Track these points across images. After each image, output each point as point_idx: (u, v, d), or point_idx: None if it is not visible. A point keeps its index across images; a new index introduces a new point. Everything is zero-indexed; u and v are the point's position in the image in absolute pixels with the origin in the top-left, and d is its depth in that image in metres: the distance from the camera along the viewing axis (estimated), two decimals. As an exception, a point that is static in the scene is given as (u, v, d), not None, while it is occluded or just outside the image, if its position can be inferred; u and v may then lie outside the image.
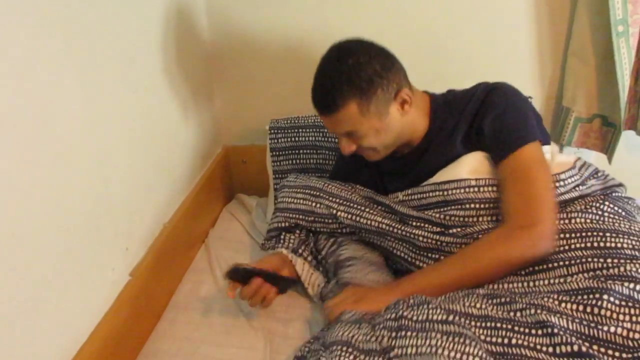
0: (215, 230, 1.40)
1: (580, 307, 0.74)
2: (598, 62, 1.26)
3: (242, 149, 1.58)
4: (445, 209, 0.98)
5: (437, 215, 0.98)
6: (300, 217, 1.14)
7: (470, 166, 0.98)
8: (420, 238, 0.98)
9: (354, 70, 0.93)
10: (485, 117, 0.98)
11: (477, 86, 1.06)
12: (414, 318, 0.78)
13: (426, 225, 0.99)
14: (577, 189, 0.98)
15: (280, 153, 1.38)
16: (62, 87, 0.80)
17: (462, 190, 0.96)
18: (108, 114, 0.94)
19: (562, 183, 0.96)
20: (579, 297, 0.75)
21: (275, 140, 1.38)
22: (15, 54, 0.70)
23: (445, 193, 0.98)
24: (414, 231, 0.99)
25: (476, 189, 0.96)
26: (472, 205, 0.96)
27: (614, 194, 0.99)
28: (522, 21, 1.32)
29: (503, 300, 0.79)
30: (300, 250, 1.12)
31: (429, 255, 0.98)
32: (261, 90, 1.50)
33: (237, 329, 1.02)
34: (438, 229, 0.98)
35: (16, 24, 0.70)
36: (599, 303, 0.72)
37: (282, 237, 1.15)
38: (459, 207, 0.97)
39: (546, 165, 0.95)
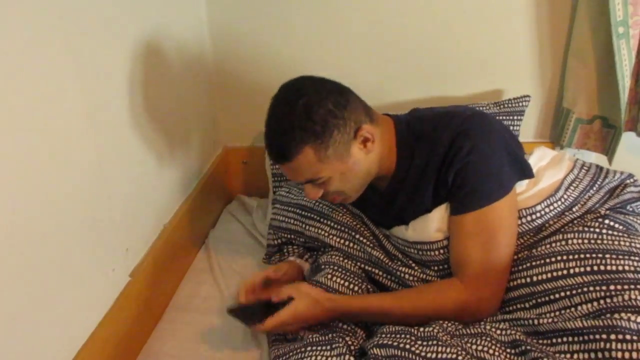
0: (215, 231, 1.40)
1: (592, 355, 0.71)
2: (598, 64, 1.26)
3: (242, 149, 1.58)
4: (423, 261, 0.98)
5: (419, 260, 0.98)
6: (292, 236, 1.15)
7: (437, 224, 0.93)
8: (407, 276, 0.98)
9: (305, 113, 0.84)
10: (450, 168, 0.88)
11: (449, 117, 0.94)
12: (422, 354, 0.78)
13: (412, 264, 0.99)
14: (571, 211, 0.95)
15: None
16: (62, 87, 0.80)
17: (436, 252, 0.94)
18: (109, 114, 0.94)
19: (538, 215, 0.92)
20: (588, 345, 0.72)
21: None
22: (15, 54, 0.70)
23: (420, 253, 0.97)
24: (401, 268, 0.99)
25: (447, 249, 0.93)
26: (447, 265, 0.94)
27: (618, 200, 0.96)
28: (523, 23, 1.32)
29: (518, 350, 0.77)
30: (306, 257, 1.13)
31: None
32: (261, 91, 1.50)
33: (237, 329, 1.02)
34: (422, 271, 0.98)
35: (16, 24, 0.70)
36: (608, 346, 0.70)
37: (284, 249, 1.16)
38: (436, 267, 0.96)
39: (512, 220, 0.89)
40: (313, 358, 0.83)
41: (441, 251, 0.93)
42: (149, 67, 1.08)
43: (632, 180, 1.01)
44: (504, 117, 1.32)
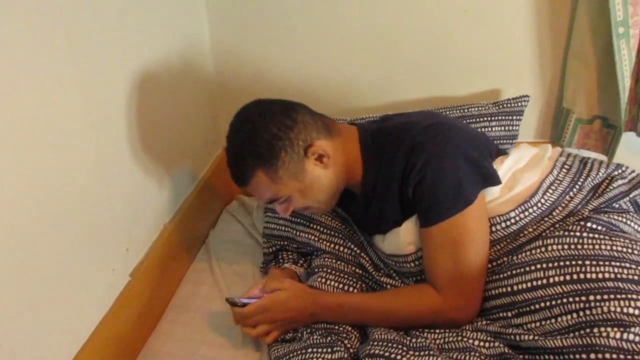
0: (215, 231, 1.40)
1: None
2: (598, 64, 1.26)
3: (242, 149, 1.58)
4: (401, 272, 1.00)
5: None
6: (285, 242, 1.16)
7: (408, 238, 0.94)
8: (388, 286, 1.00)
9: (251, 138, 0.89)
10: (408, 183, 0.89)
11: (408, 128, 0.94)
12: None
13: (393, 274, 1.01)
14: (551, 215, 0.93)
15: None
16: (62, 89, 0.80)
17: (410, 265, 0.95)
18: (108, 114, 0.94)
19: (512, 221, 0.91)
20: None
21: None
22: (15, 54, 0.70)
23: (397, 265, 0.98)
24: (382, 278, 1.01)
25: (421, 261, 0.94)
26: (423, 277, 0.95)
27: (603, 200, 0.94)
28: (523, 23, 1.32)
29: None
30: (300, 262, 1.13)
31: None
32: (261, 91, 1.49)
33: (237, 329, 1.02)
34: (402, 281, 1.00)
35: (17, 24, 0.70)
36: None
37: (279, 257, 1.17)
38: (413, 278, 0.98)
39: (479, 230, 0.88)
40: None
41: (415, 263, 0.94)
42: (149, 68, 1.08)
43: (619, 171, 0.99)
44: (504, 117, 1.32)
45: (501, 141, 1.31)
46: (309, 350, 0.85)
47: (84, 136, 0.85)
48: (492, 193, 0.92)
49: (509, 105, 1.33)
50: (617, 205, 0.94)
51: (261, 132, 0.89)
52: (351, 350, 0.88)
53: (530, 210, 0.92)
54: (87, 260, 0.87)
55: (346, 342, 0.89)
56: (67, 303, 0.82)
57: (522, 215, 0.92)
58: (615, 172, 0.99)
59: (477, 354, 0.79)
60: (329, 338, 0.89)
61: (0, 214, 0.68)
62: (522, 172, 0.96)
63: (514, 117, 1.32)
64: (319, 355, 0.84)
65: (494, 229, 0.91)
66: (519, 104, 1.33)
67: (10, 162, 0.69)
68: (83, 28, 0.85)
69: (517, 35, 1.34)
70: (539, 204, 0.93)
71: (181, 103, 1.27)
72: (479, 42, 1.35)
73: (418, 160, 0.87)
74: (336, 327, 0.93)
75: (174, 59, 1.22)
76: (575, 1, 1.25)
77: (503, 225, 0.92)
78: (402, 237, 0.94)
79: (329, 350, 0.85)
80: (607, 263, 0.79)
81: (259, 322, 0.93)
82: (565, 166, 1.00)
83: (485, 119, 1.31)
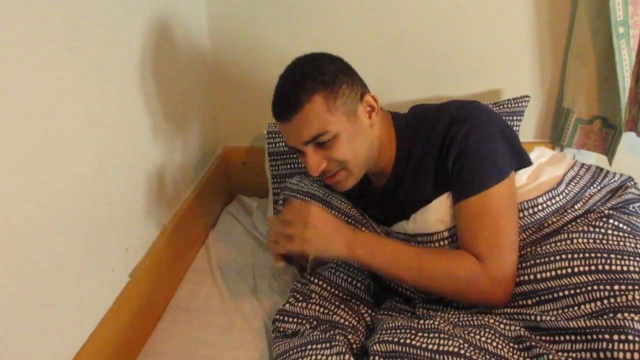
0: (215, 232, 1.40)
1: (594, 355, 0.71)
2: (598, 64, 1.26)
3: (242, 149, 1.58)
4: None
5: None
6: None
7: (438, 215, 0.93)
8: None
9: (316, 68, 0.89)
10: (448, 154, 0.90)
11: (444, 107, 0.96)
12: (423, 346, 0.77)
13: None
14: (573, 208, 0.94)
15: (279, 157, 1.38)
16: (62, 88, 0.80)
17: (437, 244, 0.94)
18: (108, 115, 0.94)
19: (540, 207, 0.92)
20: (591, 344, 0.72)
21: (274, 145, 1.38)
22: (15, 55, 0.70)
23: (423, 245, 0.96)
24: None
25: (450, 240, 0.93)
26: None
27: (620, 200, 0.95)
28: (523, 23, 1.32)
29: (522, 346, 0.77)
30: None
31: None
32: (261, 91, 1.50)
33: (236, 329, 1.02)
34: None
35: (16, 25, 0.70)
36: (611, 346, 0.70)
37: None
38: None
39: (514, 209, 0.89)
40: (312, 357, 0.83)
41: (441, 243, 0.93)
42: (148, 68, 1.08)
43: (632, 183, 1.01)
44: (504, 117, 1.32)
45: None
46: (308, 347, 0.85)
47: (84, 136, 0.85)
48: (519, 180, 0.94)
49: (509, 105, 1.33)
50: (632, 209, 0.96)
51: (328, 65, 0.90)
52: (354, 345, 0.88)
53: (557, 199, 0.94)
54: (87, 260, 0.87)
55: (350, 337, 0.89)
56: (67, 303, 0.81)
57: (548, 203, 0.93)
58: (629, 183, 1.01)
59: (492, 331, 0.79)
60: (330, 333, 0.89)
61: (1, 214, 0.68)
62: (546, 165, 0.99)
63: (514, 117, 1.32)
64: (317, 351, 0.84)
65: (521, 214, 0.92)
66: (519, 104, 1.33)
67: (10, 162, 0.69)
68: (83, 28, 0.85)
69: (517, 35, 1.34)
70: (564, 193, 0.95)
71: (181, 103, 1.27)
72: (479, 42, 1.35)
73: (459, 132, 0.89)
74: (341, 322, 0.92)
75: (174, 59, 1.22)
76: (575, 1, 1.26)
77: (530, 211, 0.92)
78: (432, 215, 0.93)
79: (328, 345, 0.85)
80: (632, 258, 0.80)
81: (294, 231, 0.86)
82: (585, 167, 1.03)
83: (485, 119, 1.31)
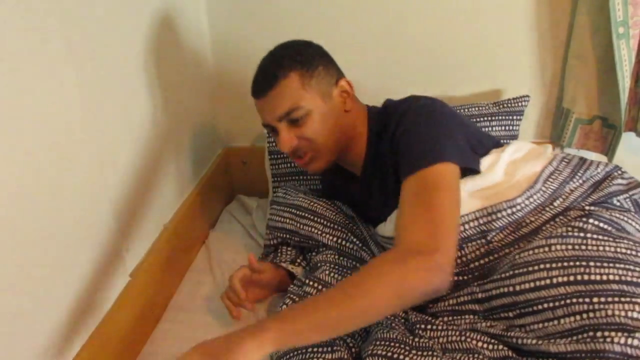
0: (215, 232, 1.40)
1: None
2: (598, 64, 1.26)
3: (242, 150, 1.58)
4: None
5: None
6: (287, 236, 1.15)
7: None
8: None
9: (296, 50, 0.95)
10: (395, 134, 0.91)
11: (404, 102, 0.97)
12: None
13: None
14: (552, 205, 0.92)
15: (279, 156, 1.38)
16: (62, 89, 0.80)
17: None
18: (108, 115, 0.94)
19: (518, 207, 0.90)
20: None
21: (274, 144, 1.38)
22: (15, 54, 0.70)
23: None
24: None
25: None
26: None
27: (603, 194, 0.93)
28: (523, 23, 1.32)
29: None
30: (299, 260, 1.13)
31: None
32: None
33: (236, 329, 1.02)
34: None
35: (17, 25, 0.70)
36: None
37: (279, 250, 1.16)
38: None
39: (455, 191, 0.85)
40: None
41: None
42: (149, 69, 1.08)
43: (619, 172, 0.99)
44: (504, 117, 1.32)
45: (501, 141, 1.31)
46: (309, 349, 0.85)
47: (84, 136, 0.85)
48: (494, 179, 0.93)
49: (509, 105, 1.33)
50: (617, 203, 0.93)
51: (305, 47, 0.96)
52: (354, 350, 0.88)
53: (535, 197, 0.92)
54: (87, 260, 0.87)
55: (349, 340, 0.89)
56: (66, 303, 0.82)
57: (527, 202, 0.91)
58: (615, 173, 0.99)
59: (480, 356, 0.78)
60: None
61: (1, 214, 0.67)
62: (522, 161, 0.97)
63: (515, 117, 1.33)
64: (319, 355, 0.84)
65: (499, 215, 0.90)
66: (520, 104, 1.33)
67: (10, 162, 0.69)
68: (83, 28, 0.85)
69: (517, 35, 1.34)
70: (541, 191, 0.93)
71: (181, 103, 1.27)
72: (479, 42, 1.36)
73: (410, 113, 0.92)
74: None
75: (174, 58, 1.22)
76: (575, 1, 1.26)
77: (509, 211, 0.90)
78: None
79: (329, 349, 0.85)
80: (611, 265, 0.78)
81: None
82: (565, 160, 1.01)
83: (485, 118, 1.31)
